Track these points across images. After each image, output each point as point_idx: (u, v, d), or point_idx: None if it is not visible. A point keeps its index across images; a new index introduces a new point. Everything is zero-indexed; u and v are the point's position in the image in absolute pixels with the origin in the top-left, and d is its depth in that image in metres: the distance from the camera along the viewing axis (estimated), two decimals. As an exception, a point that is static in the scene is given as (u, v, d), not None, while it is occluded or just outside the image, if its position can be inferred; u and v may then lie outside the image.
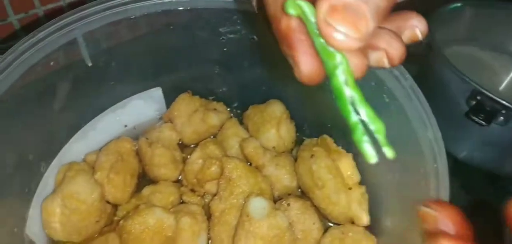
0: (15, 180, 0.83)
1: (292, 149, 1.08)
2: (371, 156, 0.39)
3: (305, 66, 0.41)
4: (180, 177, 1.03)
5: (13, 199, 0.83)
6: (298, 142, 1.08)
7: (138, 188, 1.01)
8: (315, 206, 0.96)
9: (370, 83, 0.84)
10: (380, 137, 0.39)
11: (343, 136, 0.98)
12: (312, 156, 0.95)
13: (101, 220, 0.94)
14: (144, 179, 1.04)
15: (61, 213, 0.89)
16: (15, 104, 0.79)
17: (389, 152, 0.39)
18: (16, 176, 0.83)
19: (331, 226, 0.95)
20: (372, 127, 0.39)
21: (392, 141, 0.39)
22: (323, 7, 0.36)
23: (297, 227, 0.92)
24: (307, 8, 0.39)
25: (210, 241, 0.94)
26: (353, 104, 0.39)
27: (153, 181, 1.02)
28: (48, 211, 0.90)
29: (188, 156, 1.01)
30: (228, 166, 0.95)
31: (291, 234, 0.89)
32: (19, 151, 0.83)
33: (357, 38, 0.36)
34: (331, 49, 0.38)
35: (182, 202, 1.00)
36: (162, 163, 0.99)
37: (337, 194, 0.93)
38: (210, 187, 0.98)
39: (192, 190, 1.01)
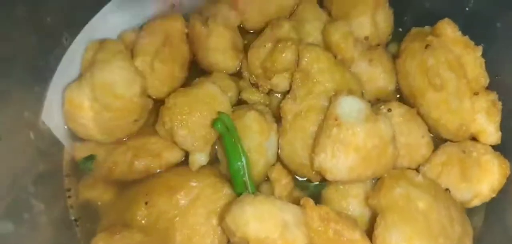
0: (26, 45, 0.61)
1: (387, 44, 0.82)
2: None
3: None
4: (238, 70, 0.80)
5: (24, 71, 0.61)
6: (396, 38, 0.82)
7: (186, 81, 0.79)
8: (420, 117, 0.72)
9: None
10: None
11: (473, 26, 0.72)
12: (427, 46, 0.69)
13: (141, 119, 0.74)
14: (194, 71, 0.81)
15: (90, 107, 0.69)
16: None
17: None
18: (28, 38, 0.61)
19: (444, 143, 0.71)
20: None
21: None
22: None
23: (400, 141, 0.68)
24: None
25: (279, 151, 0.72)
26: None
27: (204, 73, 0.80)
28: (73, 102, 0.70)
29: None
30: (307, 55, 0.70)
31: (395, 149, 0.65)
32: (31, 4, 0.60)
33: None
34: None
35: (241, 102, 0.77)
36: (220, 47, 0.76)
37: (459, 100, 0.68)
38: (280, 81, 0.74)
39: (254, 85, 0.77)
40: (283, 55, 0.70)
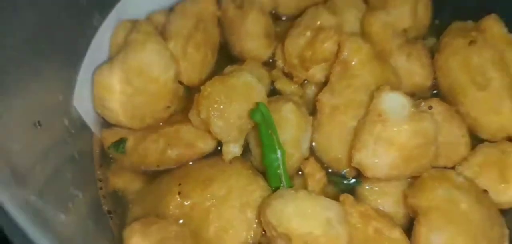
0: (60, 26, 0.58)
1: (424, 37, 0.80)
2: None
3: None
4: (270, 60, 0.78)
5: (58, 53, 0.58)
6: (433, 31, 0.80)
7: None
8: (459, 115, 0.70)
9: None
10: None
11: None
12: (471, 42, 0.67)
13: (172, 105, 0.71)
14: (221, 56, 0.78)
15: (122, 91, 0.66)
16: None
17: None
18: (62, 19, 0.57)
19: (482, 143, 0.69)
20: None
21: None
22: None
23: (438, 139, 0.66)
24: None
25: (314, 144, 0.70)
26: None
27: (232, 58, 0.77)
28: (103, 84, 0.67)
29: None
30: (349, 46, 0.68)
31: (436, 149, 0.63)
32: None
33: None
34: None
35: (273, 93, 0.74)
36: (255, 33, 0.73)
37: (501, 100, 0.67)
38: (317, 72, 0.71)
39: (288, 75, 0.75)
40: (325, 45, 0.67)
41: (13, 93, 0.49)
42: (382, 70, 0.69)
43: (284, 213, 0.57)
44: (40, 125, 0.51)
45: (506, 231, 0.63)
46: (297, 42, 0.71)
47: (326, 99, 0.68)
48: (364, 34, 0.73)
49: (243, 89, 0.65)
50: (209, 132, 0.66)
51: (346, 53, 0.68)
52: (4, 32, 0.48)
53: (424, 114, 0.62)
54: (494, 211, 0.62)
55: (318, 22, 0.71)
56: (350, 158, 0.64)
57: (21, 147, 0.46)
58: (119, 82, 0.66)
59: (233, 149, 0.68)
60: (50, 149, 0.54)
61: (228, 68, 0.72)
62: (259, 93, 0.66)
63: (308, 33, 0.70)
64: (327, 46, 0.68)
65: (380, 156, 0.61)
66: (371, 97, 0.64)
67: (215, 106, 0.63)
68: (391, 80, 0.69)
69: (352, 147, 0.64)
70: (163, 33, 0.72)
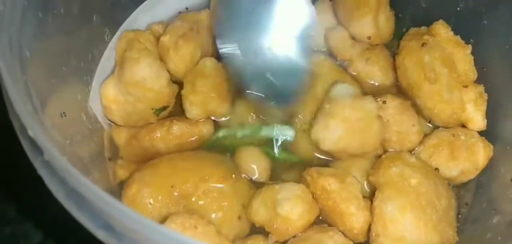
0: (78, 38, 0.72)
1: (388, 43, 0.91)
2: None
3: None
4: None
5: (77, 61, 0.72)
6: (396, 36, 0.91)
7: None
8: (416, 107, 0.81)
9: None
10: None
11: (463, 24, 0.81)
12: (423, 44, 0.79)
13: (170, 105, 0.82)
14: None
15: (124, 101, 0.78)
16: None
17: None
18: (80, 33, 0.72)
19: (437, 129, 0.80)
20: None
21: None
22: None
23: (392, 128, 0.78)
24: None
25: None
26: None
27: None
28: (108, 97, 0.78)
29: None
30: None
31: (381, 127, 0.75)
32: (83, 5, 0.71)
33: None
34: None
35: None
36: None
37: (450, 91, 0.77)
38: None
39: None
40: None
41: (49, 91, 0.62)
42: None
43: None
44: (65, 115, 0.64)
45: (454, 203, 0.73)
46: None
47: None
48: (328, 48, 0.87)
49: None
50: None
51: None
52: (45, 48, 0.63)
53: (367, 97, 0.75)
54: (442, 186, 0.72)
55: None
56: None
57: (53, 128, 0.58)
58: (121, 93, 0.77)
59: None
60: (74, 136, 0.67)
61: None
62: None
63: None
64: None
65: (329, 128, 0.73)
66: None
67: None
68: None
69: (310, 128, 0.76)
70: (164, 32, 0.83)
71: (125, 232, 0.44)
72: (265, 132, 0.81)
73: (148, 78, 0.76)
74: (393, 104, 0.79)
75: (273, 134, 0.80)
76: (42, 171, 0.47)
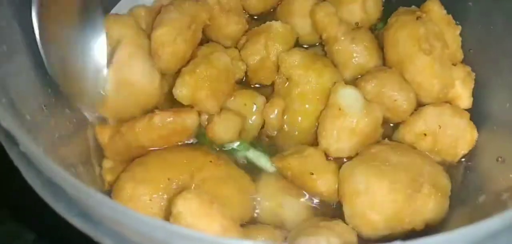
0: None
1: (375, 26, 0.91)
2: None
3: None
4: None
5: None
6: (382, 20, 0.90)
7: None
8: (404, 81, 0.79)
9: None
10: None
11: (449, 6, 0.81)
12: (418, 18, 0.78)
13: (160, 105, 0.81)
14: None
15: (115, 99, 0.77)
16: None
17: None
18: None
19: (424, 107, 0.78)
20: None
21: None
22: None
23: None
24: None
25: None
26: None
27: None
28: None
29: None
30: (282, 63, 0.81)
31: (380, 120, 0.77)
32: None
33: None
34: None
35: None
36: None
37: (442, 66, 0.77)
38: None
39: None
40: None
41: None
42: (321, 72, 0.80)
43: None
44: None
45: (443, 183, 0.72)
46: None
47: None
48: (313, 23, 0.84)
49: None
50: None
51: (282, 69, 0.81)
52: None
53: (373, 104, 0.75)
54: (429, 165, 0.72)
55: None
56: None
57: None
58: (114, 92, 0.77)
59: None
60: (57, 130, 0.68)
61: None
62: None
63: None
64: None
65: (342, 142, 0.73)
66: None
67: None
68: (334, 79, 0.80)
69: (318, 134, 0.76)
70: (157, 20, 0.79)
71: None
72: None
73: (140, 81, 0.76)
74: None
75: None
76: (18, 162, 0.46)
